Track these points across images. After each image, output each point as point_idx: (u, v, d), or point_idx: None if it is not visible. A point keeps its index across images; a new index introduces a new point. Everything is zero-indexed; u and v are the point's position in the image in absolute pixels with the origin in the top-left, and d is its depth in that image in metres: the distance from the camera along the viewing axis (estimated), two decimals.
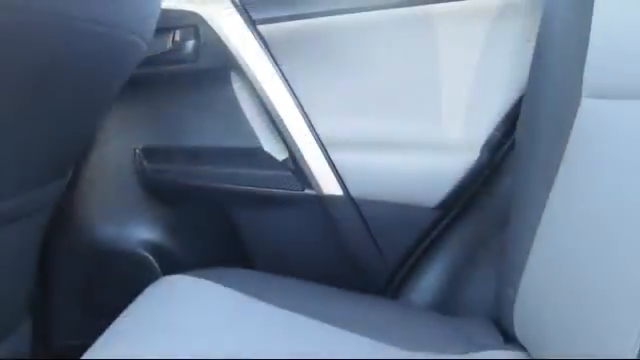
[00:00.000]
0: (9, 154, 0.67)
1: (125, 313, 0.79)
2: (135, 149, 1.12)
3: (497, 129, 1.01)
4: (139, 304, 0.79)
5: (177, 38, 1.04)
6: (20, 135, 0.66)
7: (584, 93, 0.78)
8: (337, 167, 1.05)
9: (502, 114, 1.01)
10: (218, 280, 0.87)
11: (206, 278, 0.87)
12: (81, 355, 0.70)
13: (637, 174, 0.63)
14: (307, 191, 1.06)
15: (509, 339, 0.86)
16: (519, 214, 0.85)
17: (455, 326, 0.90)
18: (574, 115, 0.78)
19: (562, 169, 0.78)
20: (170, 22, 1.01)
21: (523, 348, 0.82)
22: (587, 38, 0.78)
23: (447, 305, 1.04)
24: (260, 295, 0.85)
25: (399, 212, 1.05)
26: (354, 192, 1.05)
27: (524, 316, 0.81)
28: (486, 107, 1.01)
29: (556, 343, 0.72)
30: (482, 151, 1.02)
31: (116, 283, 1.13)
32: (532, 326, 0.79)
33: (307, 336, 0.78)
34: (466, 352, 0.81)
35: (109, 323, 0.80)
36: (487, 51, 1.01)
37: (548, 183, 0.79)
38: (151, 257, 1.11)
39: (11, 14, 0.53)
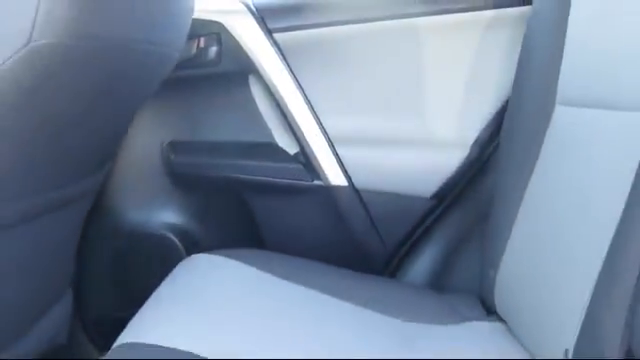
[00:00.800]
0: (72, 148, 0.80)
1: (162, 286, 0.92)
2: (162, 143, 1.25)
3: (485, 130, 1.14)
4: (174, 277, 0.92)
5: (202, 45, 1.17)
6: (82, 131, 0.78)
7: (557, 101, 0.90)
8: (342, 161, 1.18)
9: (490, 116, 1.13)
10: (238, 259, 1.00)
11: (228, 257, 1.00)
12: (113, 325, 0.82)
13: (596, 174, 0.76)
14: (315, 182, 1.18)
15: (491, 313, 0.99)
16: (500, 206, 0.98)
17: (444, 301, 1.04)
18: (548, 120, 0.91)
19: (537, 169, 0.91)
20: (195, 30, 1.13)
21: (502, 320, 0.96)
22: (562, 52, 0.91)
23: (439, 283, 1.18)
24: (275, 272, 0.98)
25: (398, 201, 1.18)
26: (357, 183, 1.18)
27: (503, 292, 0.95)
28: (476, 110, 1.14)
29: (528, 314, 0.85)
30: (472, 149, 1.15)
31: (143, 261, 1.26)
32: (509, 301, 0.93)
33: (317, 307, 0.91)
34: (452, 323, 0.94)
35: (137, 297, 0.93)
36: (478, 58, 1.13)
37: (525, 181, 0.92)
38: (175, 239, 1.25)
39: (86, 42, 0.65)
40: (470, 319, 0.97)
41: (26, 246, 0.86)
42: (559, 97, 0.91)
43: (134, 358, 0.70)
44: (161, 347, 0.70)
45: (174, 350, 0.70)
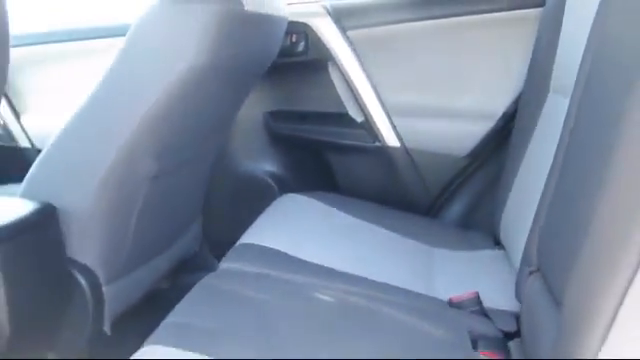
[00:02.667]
0: (211, 122, 1.23)
1: (262, 216, 1.33)
2: (264, 113, 1.68)
3: (510, 107, 1.46)
4: (271, 210, 1.35)
5: (293, 40, 1.56)
6: (218, 113, 1.21)
7: (551, 90, 1.23)
8: (397, 127, 1.55)
9: (514, 96, 1.46)
10: (318, 198, 1.41)
11: (310, 197, 1.42)
12: (228, 243, 1.20)
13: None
14: (376, 143, 1.57)
15: (497, 243, 1.36)
16: (509, 166, 1.33)
17: (466, 235, 1.41)
18: (542, 106, 1.24)
19: (532, 140, 1.24)
20: (288, 29, 1.51)
21: (504, 248, 1.32)
22: (556, 47, 1.21)
23: (467, 222, 1.55)
24: (343, 209, 1.38)
25: (439, 159, 1.55)
26: (408, 145, 1.56)
27: (506, 226, 1.30)
28: (503, 91, 1.47)
29: (521, 241, 1.19)
30: (498, 121, 1.49)
31: (250, 197, 1.71)
32: (510, 233, 1.28)
33: (372, 235, 1.29)
34: (468, 250, 1.32)
35: (245, 222, 1.33)
36: (505, 50, 1.45)
37: (525, 148, 1.26)
38: (272, 182, 1.68)
39: (227, 60, 1.07)
40: (482, 248, 1.34)
41: (171, 188, 1.30)
42: (552, 87, 1.23)
43: (249, 255, 1.12)
44: (267, 247, 1.13)
45: (278, 251, 1.12)
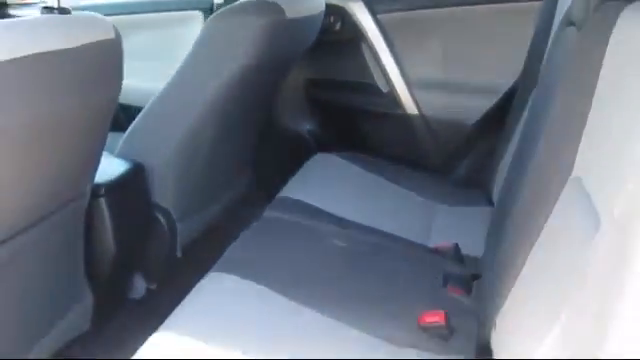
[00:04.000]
0: (259, 99, 1.56)
1: (300, 171, 1.66)
2: (305, 79, 1.98)
3: (514, 85, 1.72)
4: (308, 166, 1.67)
5: (331, 20, 1.84)
6: (266, 89, 1.53)
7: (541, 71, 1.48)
8: (415, 98, 1.84)
9: (515, 77, 1.71)
10: (347, 158, 1.73)
11: (343, 158, 1.73)
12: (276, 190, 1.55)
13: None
14: (398, 111, 1.87)
15: (491, 202, 1.65)
16: (504, 137, 1.61)
17: (465, 193, 1.72)
18: (535, 82, 1.49)
19: (524, 114, 1.50)
20: (327, 11, 1.79)
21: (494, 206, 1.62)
22: (548, 36, 1.45)
23: (469, 180, 1.85)
24: (369, 169, 1.69)
25: (450, 126, 1.83)
26: (425, 113, 1.85)
27: (497, 187, 1.59)
28: (506, 72, 1.72)
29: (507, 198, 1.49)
30: (504, 95, 1.75)
31: (291, 151, 2.04)
32: (500, 190, 1.56)
33: (391, 194, 1.60)
34: (464, 206, 1.62)
35: (286, 173, 1.65)
36: (508, 39, 1.70)
37: (518, 119, 1.52)
38: (311, 140, 2.01)
39: (277, 57, 1.38)
40: (477, 205, 1.64)
41: (227, 147, 1.64)
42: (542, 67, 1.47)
43: (286, 207, 1.45)
44: (300, 201, 1.46)
45: (308, 204, 1.45)
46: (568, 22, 1.12)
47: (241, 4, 1.38)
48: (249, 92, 1.49)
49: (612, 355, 0.53)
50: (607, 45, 0.80)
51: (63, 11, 0.92)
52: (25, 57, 0.79)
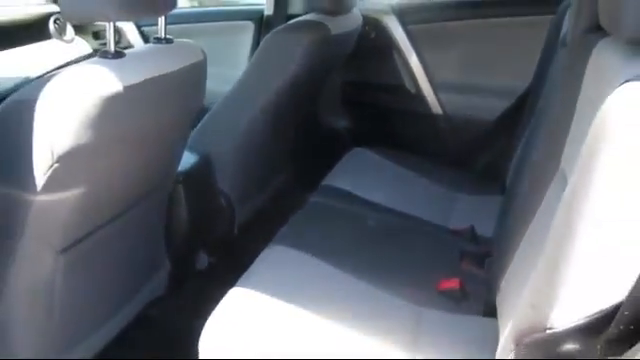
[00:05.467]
0: (305, 99, 1.83)
1: (339, 165, 1.92)
2: (342, 82, 2.25)
3: (525, 90, 1.95)
4: (345, 160, 1.94)
5: (367, 30, 2.09)
6: (313, 89, 1.80)
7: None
8: (440, 99, 2.09)
9: (529, 82, 1.94)
10: (379, 153, 1.99)
11: (375, 152, 1.99)
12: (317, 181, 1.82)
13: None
14: (424, 110, 2.12)
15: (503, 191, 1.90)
16: (517, 134, 1.84)
17: (483, 183, 1.96)
18: (543, 86, 1.73)
19: (533, 121, 1.75)
20: (364, 21, 2.04)
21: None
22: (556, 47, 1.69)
23: (487, 172, 2.09)
24: (398, 162, 1.94)
25: (471, 123, 2.08)
26: (448, 112, 2.09)
27: (509, 176, 1.83)
28: (521, 77, 1.95)
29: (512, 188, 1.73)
30: (517, 99, 1.99)
31: (329, 146, 2.30)
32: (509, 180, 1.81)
33: (417, 183, 1.85)
34: (476, 195, 1.86)
35: (325, 166, 1.92)
36: (524, 48, 1.93)
37: (527, 124, 1.76)
38: (347, 135, 2.27)
39: (324, 67, 1.64)
40: (492, 194, 1.88)
41: (273, 140, 1.91)
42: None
43: (327, 193, 1.72)
44: (340, 188, 1.73)
45: (347, 191, 1.72)
46: (562, 43, 1.37)
47: (293, 23, 1.66)
48: (296, 97, 1.76)
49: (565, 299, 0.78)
50: (586, 68, 1.04)
51: (168, 41, 1.20)
52: (146, 80, 1.07)
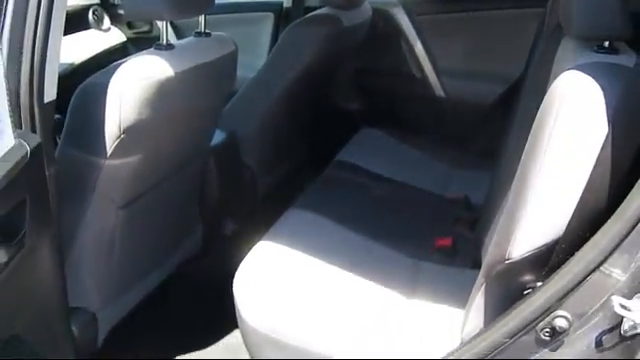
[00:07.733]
0: (319, 86, 2.06)
1: (350, 143, 2.15)
2: (355, 68, 2.46)
3: (519, 77, 2.16)
4: (356, 139, 2.17)
5: (376, 20, 2.31)
6: (326, 75, 2.03)
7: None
8: (442, 83, 2.31)
9: (522, 69, 2.15)
10: (389, 132, 2.21)
11: (383, 131, 2.21)
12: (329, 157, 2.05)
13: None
14: (428, 94, 2.34)
15: None
16: (510, 116, 2.06)
17: (480, 160, 2.18)
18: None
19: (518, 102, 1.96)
20: (373, 13, 2.25)
21: None
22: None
23: (486, 148, 2.30)
24: (403, 141, 2.17)
25: (471, 106, 2.29)
26: (450, 95, 2.31)
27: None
28: (515, 64, 2.16)
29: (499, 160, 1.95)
30: (511, 85, 2.20)
31: (341, 125, 2.53)
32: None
33: (420, 160, 2.08)
34: (474, 169, 2.08)
35: (338, 144, 2.15)
36: (518, 38, 2.14)
37: (517, 107, 1.99)
38: (358, 116, 2.50)
39: (337, 56, 1.87)
40: (488, 169, 2.10)
41: (291, 118, 2.15)
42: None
43: (341, 167, 1.96)
44: (351, 162, 1.96)
45: (358, 165, 1.95)
46: (542, 37, 1.58)
47: (309, 17, 1.89)
48: (312, 83, 1.99)
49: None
50: (555, 57, 1.25)
51: (207, 35, 1.44)
52: (191, 67, 1.31)
